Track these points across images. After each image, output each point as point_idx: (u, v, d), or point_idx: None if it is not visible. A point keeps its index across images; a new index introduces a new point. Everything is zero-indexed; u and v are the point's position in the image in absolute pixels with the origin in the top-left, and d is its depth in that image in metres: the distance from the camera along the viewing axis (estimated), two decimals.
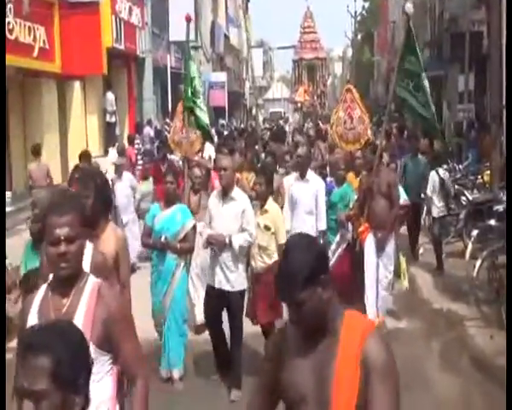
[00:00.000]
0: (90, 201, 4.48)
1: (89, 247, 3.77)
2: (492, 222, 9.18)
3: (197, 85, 9.13)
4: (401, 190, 8.75)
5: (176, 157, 12.54)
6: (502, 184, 11.25)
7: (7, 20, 13.64)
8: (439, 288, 9.49)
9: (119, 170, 11.33)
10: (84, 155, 11.11)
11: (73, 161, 15.66)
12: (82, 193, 4.54)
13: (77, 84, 17.90)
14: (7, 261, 7.66)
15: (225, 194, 6.44)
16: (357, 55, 53.38)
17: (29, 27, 14.74)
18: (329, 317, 2.53)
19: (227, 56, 46.84)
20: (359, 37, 56.44)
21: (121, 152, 13.74)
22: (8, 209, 12.55)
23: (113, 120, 19.52)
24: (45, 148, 15.62)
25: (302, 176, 8.31)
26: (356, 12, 53.36)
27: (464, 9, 20.43)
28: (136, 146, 17.79)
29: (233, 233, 6.28)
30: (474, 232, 9.26)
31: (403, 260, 8.46)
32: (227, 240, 6.26)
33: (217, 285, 6.43)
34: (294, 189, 8.29)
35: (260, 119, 48.31)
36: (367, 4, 60.13)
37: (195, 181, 8.38)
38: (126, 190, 11.08)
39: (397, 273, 8.25)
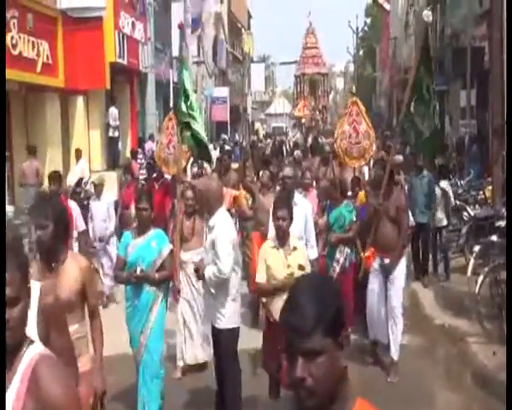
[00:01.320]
0: (49, 231, 4.13)
1: (35, 289, 3.26)
2: (494, 238, 9.16)
3: (192, 98, 8.33)
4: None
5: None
6: (504, 200, 11.25)
7: (10, 34, 13.70)
8: (440, 303, 9.47)
9: (97, 189, 10.55)
10: (53, 177, 9.35)
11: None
12: (40, 223, 4.21)
13: (80, 99, 17.95)
14: None
15: (207, 220, 6.20)
16: (359, 71, 53.60)
17: (33, 42, 14.80)
18: (340, 396, 1.92)
19: (229, 71, 47.02)
20: (361, 52, 56.60)
21: (126, 168, 13.80)
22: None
23: (116, 134, 19.57)
24: (48, 162, 15.72)
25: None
26: (358, 28, 53.76)
27: (466, 25, 20.49)
28: (139, 161, 17.85)
29: (208, 264, 5.82)
30: (476, 248, 9.24)
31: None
32: (206, 270, 5.81)
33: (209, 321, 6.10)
34: None
35: (262, 133, 48.55)
36: (369, 20, 60.41)
37: (187, 204, 7.77)
38: (103, 213, 10.22)
39: None
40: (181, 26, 9.82)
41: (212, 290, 5.84)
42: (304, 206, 7.08)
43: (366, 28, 61.65)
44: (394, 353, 7.09)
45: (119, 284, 8.16)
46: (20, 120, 15.58)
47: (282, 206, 5.78)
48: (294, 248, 5.79)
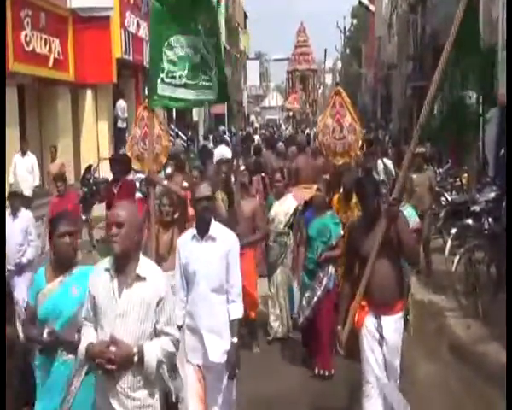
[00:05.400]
0: None
1: None
2: (469, 221, 9.17)
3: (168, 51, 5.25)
4: (410, 210, 6.32)
5: (141, 176, 8.73)
6: (478, 186, 11.25)
7: (24, 32, 13.59)
8: (420, 281, 9.47)
9: (14, 205, 7.23)
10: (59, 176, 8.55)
11: (85, 162, 15.66)
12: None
13: (89, 93, 17.84)
14: None
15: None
16: (346, 68, 53.42)
17: (45, 39, 14.70)
18: None
19: (227, 67, 46.79)
20: (348, 51, 56.39)
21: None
22: None
23: (125, 125, 19.47)
24: (60, 150, 15.63)
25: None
26: (345, 28, 53.50)
27: (445, 25, 20.41)
28: None
29: (141, 334, 3.40)
30: (453, 230, 9.25)
31: (410, 296, 5.79)
32: (135, 356, 3.33)
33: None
34: (190, 251, 4.47)
35: (257, 125, 48.45)
36: (355, 21, 60.09)
37: (163, 212, 5.85)
38: (18, 234, 7.06)
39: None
40: None
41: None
42: (225, 240, 4.44)
43: (352, 28, 61.34)
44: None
45: None
46: (33, 111, 15.49)
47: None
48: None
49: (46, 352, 3.82)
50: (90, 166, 14.42)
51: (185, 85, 5.29)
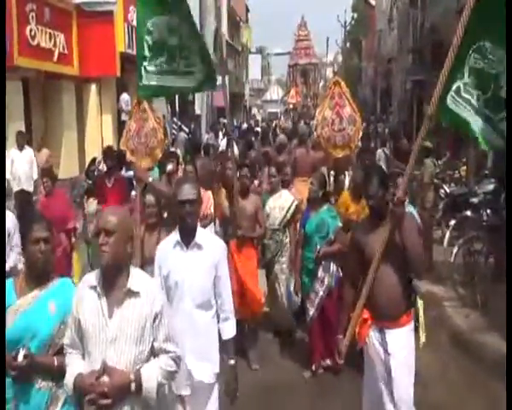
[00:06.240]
0: None
1: None
2: (468, 213, 9.17)
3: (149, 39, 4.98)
4: (412, 209, 5.95)
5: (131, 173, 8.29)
6: (476, 179, 11.24)
7: (29, 27, 13.56)
8: None
9: None
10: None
11: (90, 155, 15.65)
12: None
13: (93, 86, 17.79)
14: None
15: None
16: (347, 61, 53.30)
17: (50, 34, 14.65)
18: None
19: (229, 61, 46.64)
20: (348, 44, 56.27)
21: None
22: None
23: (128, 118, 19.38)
24: (64, 143, 15.70)
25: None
26: (346, 21, 53.32)
27: (444, 19, 20.34)
28: None
29: (138, 356, 3.00)
30: (452, 222, 9.26)
31: (420, 304, 4.64)
32: (132, 384, 2.92)
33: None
34: (173, 260, 3.85)
35: (259, 118, 48.40)
36: (355, 15, 59.85)
37: (148, 212, 5.37)
38: None
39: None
40: None
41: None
42: (212, 247, 3.84)
43: (353, 22, 61.15)
44: None
45: None
46: (38, 105, 15.47)
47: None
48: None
49: (22, 379, 3.15)
50: (94, 159, 14.40)
51: (166, 72, 4.95)
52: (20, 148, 11.53)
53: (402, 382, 4.06)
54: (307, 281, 6.16)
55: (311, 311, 6.13)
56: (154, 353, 3.03)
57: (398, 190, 4.10)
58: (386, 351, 4.09)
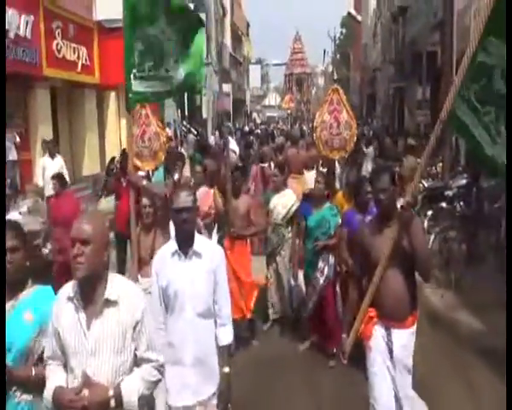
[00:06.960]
0: None
1: None
2: (443, 205, 9.15)
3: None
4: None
5: (142, 173, 7.92)
6: (451, 174, 11.21)
7: (56, 41, 13.54)
8: None
9: None
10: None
11: (110, 155, 15.62)
12: None
13: (112, 94, 17.75)
14: None
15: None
16: (336, 71, 53.19)
17: (74, 48, 14.65)
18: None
19: (231, 70, 46.50)
20: (338, 56, 56.11)
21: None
22: None
23: None
24: (87, 144, 15.69)
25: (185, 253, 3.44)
26: (335, 36, 53.22)
27: (422, 33, 20.26)
28: None
29: (119, 367, 2.64)
30: (429, 212, 9.23)
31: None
32: (111, 400, 2.57)
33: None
34: (171, 269, 3.40)
35: (258, 121, 48.32)
36: (344, 30, 59.70)
37: (144, 212, 4.97)
38: None
39: None
40: None
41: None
42: (210, 252, 3.45)
43: (342, 37, 60.95)
44: None
45: None
46: (64, 111, 15.45)
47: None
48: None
49: None
50: (113, 158, 14.35)
51: (153, 77, 4.52)
52: (52, 156, 11.09)
53: (404, 381, 3.84)
54: (310, 272, 6.01)
55: (314, 297, 5.94)
56: (136, 362, 2.66)
57: (406, 194, 3.68)
58: (390, 350, 3.78)
